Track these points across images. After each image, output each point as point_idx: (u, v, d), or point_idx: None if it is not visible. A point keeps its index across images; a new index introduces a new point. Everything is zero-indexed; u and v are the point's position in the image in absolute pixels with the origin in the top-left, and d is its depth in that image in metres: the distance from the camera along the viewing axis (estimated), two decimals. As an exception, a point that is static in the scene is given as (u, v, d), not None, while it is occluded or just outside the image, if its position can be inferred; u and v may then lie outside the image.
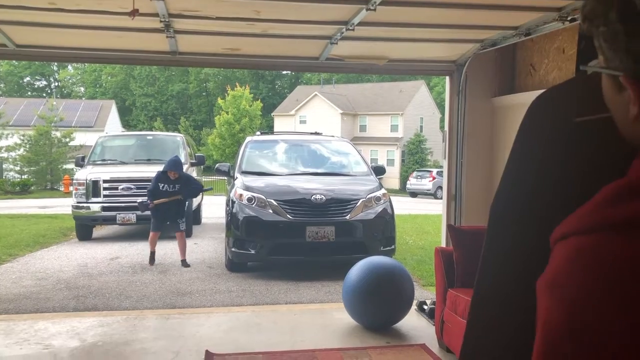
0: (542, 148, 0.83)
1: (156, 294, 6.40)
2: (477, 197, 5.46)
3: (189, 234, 9.72)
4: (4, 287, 6.69)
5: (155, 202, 7.75)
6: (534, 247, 0.84)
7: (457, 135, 5.70)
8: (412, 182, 31.11)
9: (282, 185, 7.54)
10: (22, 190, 26.31)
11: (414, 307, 5.38)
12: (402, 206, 19.79)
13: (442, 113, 5.82)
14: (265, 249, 7.01)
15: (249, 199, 7.21)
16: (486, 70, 5.61)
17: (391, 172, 40.72)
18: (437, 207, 16.18)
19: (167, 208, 7.83)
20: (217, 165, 8.95)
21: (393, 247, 7.55)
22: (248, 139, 9.33)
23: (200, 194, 9.32)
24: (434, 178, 28.67)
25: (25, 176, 29.16)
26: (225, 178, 9.53)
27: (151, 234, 8.05)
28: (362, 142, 41.90)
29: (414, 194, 30.37)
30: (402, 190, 35.08)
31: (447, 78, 5.80)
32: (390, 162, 41.72)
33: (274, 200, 7.11)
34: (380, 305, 4.90)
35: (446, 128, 5.85)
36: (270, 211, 7.06)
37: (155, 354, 4.33)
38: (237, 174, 8.12)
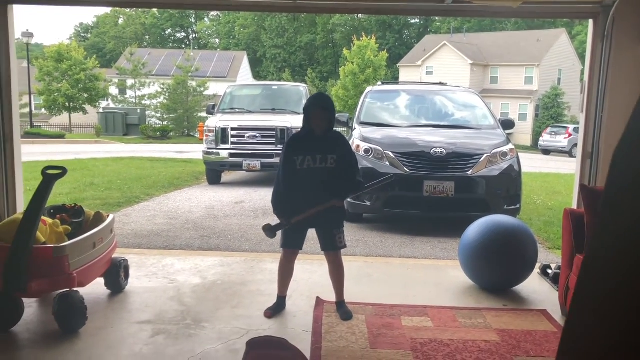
0: None
1: (275, 239, 6.57)
2: (617, 156, 4.89)
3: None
4: (140, 223, 7.28)
5: (296, 219, 3.93)
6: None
7: (598, 87, 5.12)
8: (546, 139, 29.17)
9: (400, 138, 7.33)
10: (162, 135, 28.39)
11: (536, 270, 5.06)
12: (533, 164, 18.67)
13: (584, 64, 5.13)
14: (381, 202, 6.92)
15: (366, 151, 7.11)
16: (638, 13, 4.93)
17: (523, 127, 38.52)
18: (571, 166, 15.05)
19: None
20: (336, 115, 8.87)
21: (518, 206, 7.11)
22: (368, 89, 9.14)
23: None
24: (570, 135, 26.64)
25: (165, 123, 31.40)
26: (344, 129, 9.46)
27: (284, 253, 4.25)
28: (492, 94, 39.93)
29: (546, 152, 28.53)
30: (534, 147, 33.12)
31: (591, 21, 5.19)
32: (523, 116, 39.44)
33: (392, 152, 6.94)
34: (499, 265, 4.65)
35: (586, 78, 5.27)
36: (387, 163, 6.92)
37: (269, 295, 4.47)
38: (355, 125, 8.03)
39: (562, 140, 27.83)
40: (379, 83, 9.92)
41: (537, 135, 34.90)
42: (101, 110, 32.30)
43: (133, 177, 11.65)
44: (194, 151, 18.62)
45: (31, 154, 15.09)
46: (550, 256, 6.09)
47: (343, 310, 4.13)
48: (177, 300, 4.36)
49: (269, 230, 4.02)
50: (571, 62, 40.79)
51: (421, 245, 6.48)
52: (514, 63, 40.20)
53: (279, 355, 2.16)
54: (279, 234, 4.12)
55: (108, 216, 4.38)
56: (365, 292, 4.61)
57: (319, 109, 3.89)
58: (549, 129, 30.12)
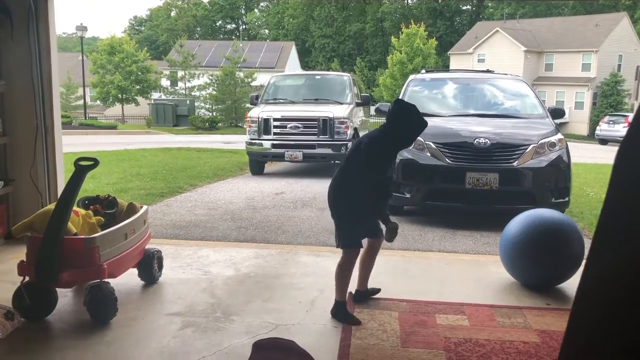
0: None
1: (311, 231, 6.52)
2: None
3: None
4: (179, 214, 7.34)
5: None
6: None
7: (654, 72, 4.78)
8: (603, 128, 28.03)
9: (442, 127, 7.07)
10: (211, 126, 28.78)
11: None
12: (588, 154, 17.96)
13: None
14: (421, 194, 6.72)
15: (407, 141, 6.91)
16: (701, -9, 4.55)
17: (579, 116, 37.14)
18: (629, 157, 14.24)
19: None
20: (377, 105, 8.69)
21: (567, 199, 6.76)
22: (411, 77, 8.87)
23: None
24: (629, 124, 25.43)
25: (213, 113, 31.83)
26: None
27: (353, 253, 3.90)
28: (547, 82, 38.65)
29: (604, 141, 27.40)
30: (591, 136, 31.87)
31: (647, 2, 4.84)
32: (579, 105, 38.02)
33: (432, 142, 6.71)
34: (541, 262, 4.42)
35: (641, 63, 4.93)
36: (428, 154, 6.70)
37: (301, 289, 4.40)
38: (396, 114, 7.81)
39: (621, 130, 26.63)
40: (423, 71, 9.66)
41: (594, 124, 33.53)
42: (152, 102, 33.04)
43: (179, 168, 11.82)
44: (241, 141, 18.66)
45: (83, 144, 15.55)
46: (600, 252, 5.76)
47: (370, 290, 4.25)
48: (209, 292, 4.35)
49: (394, 229, 3.93)
50: (633, 47, 38.87)
51: (462, 239, 6.26)
52: (571, 49, 38.63)
53: (285, 358, 2.07)
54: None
55: (142, 207, 4.39)
56: (400, 288, 4.47)
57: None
58: (607, 118, 28.92)
